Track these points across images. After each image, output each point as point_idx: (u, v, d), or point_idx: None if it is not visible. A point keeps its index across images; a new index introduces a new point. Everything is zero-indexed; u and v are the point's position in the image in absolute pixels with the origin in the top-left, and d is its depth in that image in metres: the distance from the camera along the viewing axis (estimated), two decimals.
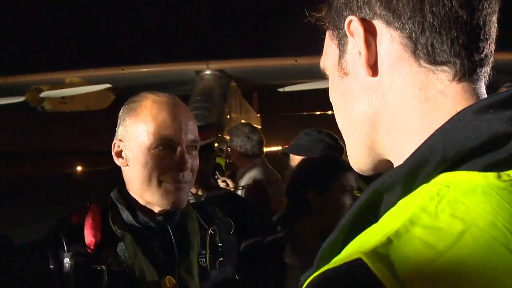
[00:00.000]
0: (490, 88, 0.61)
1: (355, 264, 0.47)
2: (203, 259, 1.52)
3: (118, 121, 1.47)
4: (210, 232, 1.57)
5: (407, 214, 0.50)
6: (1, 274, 1.42)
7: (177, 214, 1.49)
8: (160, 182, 1.40)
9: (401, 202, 0.54)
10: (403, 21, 0.59)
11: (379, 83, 0.63)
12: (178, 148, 1.41)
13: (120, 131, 1.46)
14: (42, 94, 11.69)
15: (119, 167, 1.48)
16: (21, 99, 11.89)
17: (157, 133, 1.38)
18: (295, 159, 2.54)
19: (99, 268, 1.33)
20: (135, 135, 1.41)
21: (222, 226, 1.64)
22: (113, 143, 1.46)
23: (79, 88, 12.07)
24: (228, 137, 3.70)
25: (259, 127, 18.03)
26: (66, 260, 1.33)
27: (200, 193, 2.60)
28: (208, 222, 1.60)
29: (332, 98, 0.73)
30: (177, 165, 1.39)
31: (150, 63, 13.28)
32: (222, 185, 3.39)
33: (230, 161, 4.07)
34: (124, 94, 13.52)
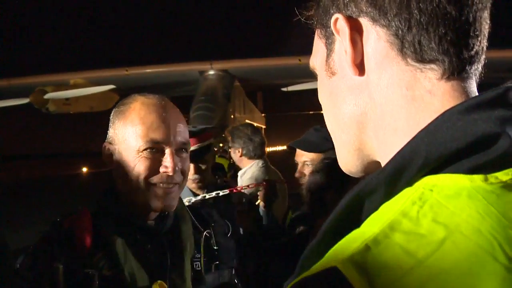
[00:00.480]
0: (488, 87, 0.58)
1: (331, 273, 0.45)
2: (198, 262, 1.51)
3: (109, 124, 1.46)
4: (205, 234, 1.55)
5: (387, 220, 0.48)
6: None
7: (170, 217, 1.48)
8: (149, 185, 1.39)
9: (382, 207, 0.52)
10: (389, 18, 0.58)
11: (366, 82, 0.62)
12: (167, 150, 1.40)
13: (110, 133, 1.45)
14: (47, 96, 11.72)
15: (111, 170, 1.47)
16: (25, 100, 11.91)
17: (145, 135, 1.38)
18: (302, 155, 2.52)
19: (90, 273, 1.32)
20: (124, 138, 1.41)
21: (218, 228, 1.62)
22: (103, 145, 1.46)
23: (83, 89, 12.10)
24: (229, 138, 3.68)
25: (263, 127, 18.02)
26: (57, 265, 1.32)
27: (200, 193, 2.59)
28: (203, 225, 1.59)
29: (321, 98, 0.73)
30: (166, 168, 1.38)
31: (153, 64, 13.25)
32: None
33: (233, 161, 4.06)
34: (128, 95, 13.55)
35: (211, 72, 12.42)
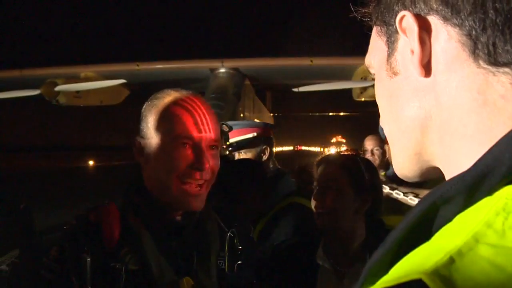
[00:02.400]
0: None
1: (416, 285, 0.42)
2: (222, 261, 1.51)
3: (141, 117, 1.46)
4: (230, 234, 1.55)
5: (470, 231, 0.45)
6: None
7: (196, 214, 1.47)
8: (178, 182, 1.38)
9: (460, 217, 0.49)
10: (462, 17, 0.54)
11: (432, 84, 0.58)
12: (198, 147, 1.38)
13: (141, 128, 1.45)
14: (57, 88, 11.76)
15: (139, 164, 1.47)
16: (36, 92, 11.95)
17: (177, 131, 1.37)
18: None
19: (117, 267, 1.32)
20: (156, 133, 1.41)
21: (242, 228, 1.61)
22: (135, 139, 1.46)
23: (94, 83, 12.13)
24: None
25: None
26: (84, 258, 1.30)
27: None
28: (228, 224, 1.58)
29: (379, 99, 0.70)
30: (196, 165, 1.37)
31: (165, 60, 13.26)
32: None
33: None
34: (139, 90, 13.67)
35: (222, 70, 12.41)
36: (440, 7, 0.56)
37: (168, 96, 1.43)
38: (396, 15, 0.60)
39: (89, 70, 12.84)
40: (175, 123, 1.38)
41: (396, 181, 3.32)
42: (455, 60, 0.56)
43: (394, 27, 0.61)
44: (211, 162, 1.42)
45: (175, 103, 1.41)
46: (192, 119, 1.39)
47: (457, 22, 0.55)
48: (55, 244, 1.38)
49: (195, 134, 1.38)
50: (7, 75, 13.09)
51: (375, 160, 4.22)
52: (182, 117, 1.38)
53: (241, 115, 12.75)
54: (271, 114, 23.23)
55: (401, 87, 0.62)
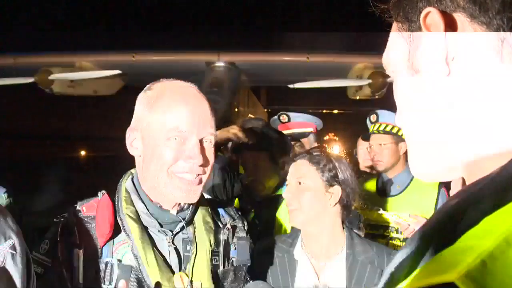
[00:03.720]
0: None
1: None
2: (216, 257, 1.48)
3: (134, 109, 1.43)
4: (224, 230, 1.52)
5: (501, 234, 0.44)
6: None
7: (191, 208, 1.44)
8: (172, 174, 1.35)
9: (489, 219, 0.47)
10: (490, 15, 0.53)
11: (456, 84, 0.58)
12: (192, 140, 1.35)
13: (134, 119, 1.41)
14: (52, 77, 11.68)
15: (133, 156, 1.44)
16: (30, 80, 11.85)
17: (170, 123, 1.33)
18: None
19: (110, 261, 1.29)
20: (148, 125, 1.36)
21: (236, 225, 1.59)
22: (127, 131, 1.41)
23: (88, 72, 12.05)
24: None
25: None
26: (76, 252, 1.28)
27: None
28: (222, 220, 1.55)
29: (398, 96, 0.68)
30: (190, 157, 1.33)
31: (161, 51, 13.19)
32: None
33: None
34: (134, 81, 13.58)
35: (218, 64, 12.35)
36: (468, 5, 0.55)
37: (162, 87, 1.39)
38: (420, 12, 0.59)
39: (85, 60, 12.76)
40: (168, 115, 1.35)
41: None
42: (481, 59, 0.55)
43: (417, 23, 0.60)
44: (206, 156, 1.39)
45: (168, 94, 1.37)
46: (186, 111, 1.35)
47: (484, 20, 0.54)
48: (46, 237, 1.35)
49: (188, 126, 1.35)
50: (1, 62, 12.97)
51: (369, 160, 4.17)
52: (176, 108, 1.35)
53: (235, 109, 12.70)
54: (265, 110, 23.17)
55: (423, 86, 0.61)
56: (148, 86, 1.45)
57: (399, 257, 0.53)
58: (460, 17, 0.56)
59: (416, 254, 0.50)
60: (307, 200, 1.93)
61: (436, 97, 0.59)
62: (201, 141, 1.38)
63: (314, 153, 2.08)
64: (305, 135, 3.32)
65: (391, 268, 0.53)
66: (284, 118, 3.46)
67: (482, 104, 0.55)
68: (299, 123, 3.35)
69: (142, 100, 1.41)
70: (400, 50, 0.65)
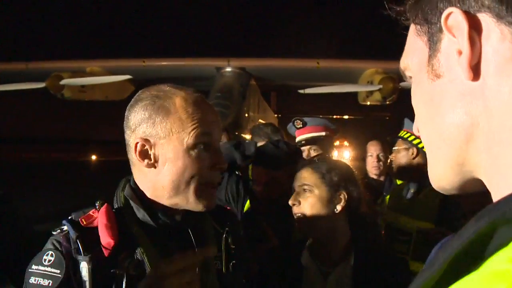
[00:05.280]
0: None
1: None
2: (218, 261, 1.46)
3: (138, 118, 1.36)
4: (224, 234, 1.51)
5: None
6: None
7: (194, 214, 1.42)
8: (197, 184, 1.32)
9: None
10: None
11: (481, 88, 0.53)
12: (214, 147, 1.34)
13: (144, 129, 1.35)
14: (63, 82, 11.77)
15: (128, 163, 1.41)
16: (41, 85, 11.95)
17: (197, 131, 1.31)
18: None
19: (118, 273, 1.25)
20: (169, 134, 1.31)
21: (233, 228, 1.57)
22: (135, 142, 1.36)
23: (99, 77, 12.12)
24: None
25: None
26: (83, 265, 1.24)
27: None
28: (221, 224, 1.54)
29: (416, 103, 0.64)
30: (218, 164, 1.34)
31: (171, 57, 13.25)
32: None
33: None
34: (144, 86, 13.59)
35: (228, 69, 12.39)
36: (493, 4, 0.52)
37: (176, 96, 1.35)
38: (440, 13, 0.55)
39: (95, 65, 12.85)
40: (193, 124, 1.31)
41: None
42: (509, 62, 0.51)
43: (438, 25, 0.56)
44: (225, 162, 1.38)
45: (187, 103, 1.34)
46: (205, 118, 1.33)
47: None
48: (48, 249, 1.28)
49: (211, 134, 1.34)
50: (13, 67, 13.10)
51: (380, 166, 4.13)
52: (198, 117, 1.32)
53: (246, 115, 12.72)
54: (276, 115, 23.18)
55: (444, 91, 0.57)
56: (155, 94, 1.39)
57: (422, 278, 0.49)
58: (485, 18, 0.52)
59: (439, 279, 0.47)
60: (312, 207, 1.93)
61: (457, 104, 0.55)
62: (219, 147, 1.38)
63: (317, 160, 2.09)
64: (320, 139, 3.30)
65: (419, 283, 0.49)
66: (298, 123, 3.44)
67: (510, 111, 0.51)
68: (314, 127, 3.34)
69: (156, 109, 1.36)
70: (419, 54, 0.61)
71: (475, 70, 0.52)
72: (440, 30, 0.56)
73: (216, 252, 1.44)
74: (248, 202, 2.85)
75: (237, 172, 3.06)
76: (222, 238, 1.49)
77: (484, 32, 0.52)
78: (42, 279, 1.23)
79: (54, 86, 11.91)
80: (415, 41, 0.62)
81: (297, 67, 12.71)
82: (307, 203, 1.95)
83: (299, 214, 1.96)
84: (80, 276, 1.24)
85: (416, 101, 0.64)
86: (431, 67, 0.58)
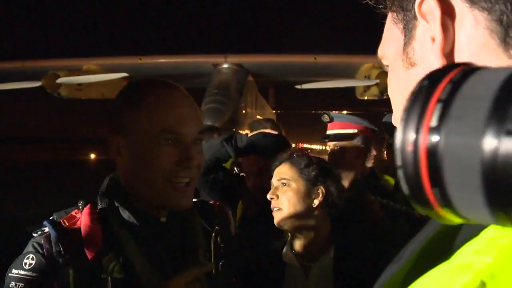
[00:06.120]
0: None
1: None
2: (208, 262, 1.41)
3: (114, 112, 1.33)
4: (213, 233, 1.46)
5: (502, 249, 0.38)
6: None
7: (181, 213, 1.38)
8: (164, 180, 1.26)
9: (489, 231, 0.42)
10: (492, 0, 0.47)
11: None
12: (184, 142, 1.27)
13: (116, 123, 1.31)
14: (59, 80, 11.72)
15: (115, 164, 1.36)
16: (37, 84, 11.91)
17: (162, 124, 1.25)
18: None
19: (102, 277, 1.20)
20: (136, 128, 1.26)
21: (223, 225, 1.53)
22: (110, 137, 1.30)
23: (95, 76, 12.08)
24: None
25: None
26: (66, 269, 1.19)
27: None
28: (210, 222, 1.49)
29: (392, 93, 0.62)
30: (184, 160, 1.27)
31: (167, 54, 13.21)
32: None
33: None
34: None
35: (225, 66, 12.36)
36: None
37: (148, 88, 1.32)
38: None
39: (91, 63, 12.80)
40: (157, 118, 1.26)
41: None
42: (483, 49, 0.49)
43: (413, 12, 0.55)
44: (197, 158, 1.31)
45: (156, 95, 1.29)
46: (174, 112, 1.27)
47: (485, 6, 0.48)
48: (29, 252, 1.22)
49: (179, 128, 1.27)
50: (10, 66, 13.06)
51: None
52: (164, 110, 1.27)
53: (243, 111, 12.69)
54: (274, 111, 23.16)
55: (418, 79, 0.55)
56: (127, 87, 1.35)
57: (389, 271, 0.48)
58: (458, 3, 0.50)
59: (407, 272, 0.46)
60: (290, 201, 1.95)
61: None
62: (192, 142, 1.30)
63: (295, 155, 2.12)
64: (348, 136, 3.21)
65: (382, 281, 0.48)
66: (326, 117, 3.39)
67: None
68: (341, 123, 3.27)
69: (126, 102, 1.31)
70: (395, 43, 0.59)
71: (449, 58, 0.51)
72: (415, 17, 0.54)
73: (204, 252, 1.40)
74: (240, 204, 2.83)
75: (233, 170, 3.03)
76: (212, 237, 1.45)
77: (457, 18, 0.50)
78: (22, 284, 1.18)
79: (51, 84, 11.87)
80: (391, 29, 0.60)
81: (295, 63, 12.69)
82: (285, 196, 1.96)
83: (277, 208, 1.97)
84: (62, 280, 1.19)
85: (392, 91, 0.62)
86: (406, 55, 0.57)
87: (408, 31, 0.57)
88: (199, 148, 1.33)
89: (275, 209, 1.98)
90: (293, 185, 1.97)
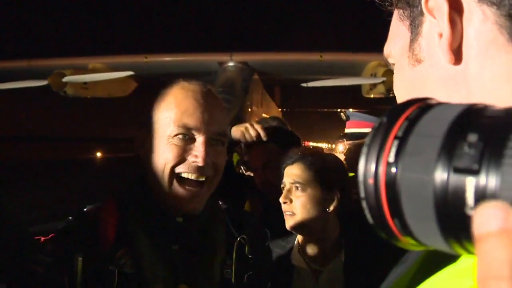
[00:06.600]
0: None
1: None
2: (229, 270, 1.38)
3: (143, 108, 1.38)
4: (239, 240, 1.43)
5: None
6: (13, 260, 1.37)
7: (201, 216, 1.36)
8: (175, 175, 1.27)
9: None
10: None
11: (463, 73, 0.50)
12: (199, 139, 1.28)
13: (142, 118, 1.36)
14: (65, 79, 11.73)
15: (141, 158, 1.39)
16: (44, 82, 11.93)
17: (178, 120, 1.27)
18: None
19: (110, 268, 1.21)
20: (157, 122, 1.31)
21: (255, 236, 1.49)
22: (136, 132, 1.37)
23: (101, 74, 12.09)
24: None
25: None
26: (77, 256, 1.22)
27: None
28: (238, 230, 1.45)
29: (398, 90, 0.61)
30: (195, 157, 1.27)
31: (173, 52, 13.20)
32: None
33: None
34: (147, 82, 13.63)
35: (231, 64, 12.34)
36: None
37: (175, 85, 1.35)
38: None
39: (97, 62, 12.81)
40: (176, 112, 1.28)
41: None
42: (491, 45, 0.48)
43: (419, 8, 0.53)
44: (214, 157, 1.30)
45: (180, 92, 1.32)
46: (194, 109, 1.29)
47: (494, 1, 0.47)
48: (51, 242, 1.32)
49: (196, 124, 1.28)
50: (16, 65, 13.09)
51: None
52: (184, 106, 1.29)
53: (249, 109, 12.67)
54: (280, 109, 23.15)
55: (425, 76, 0.54)
56: (157, 87, 1.40)
57: (394, 274, 0.48)
58: None
59: (413, 275, 0.46)
60: (305, 207, 1.86)
61: (439, 89, 0.53)
62: (210, 141, 1.30)
63: (311, 157, 1.99)
64: (364, 135, 3.19)
65: (390, 283, 0.48)
66: (343, 116, 3.40)
67: (492, 96, 0.48)
68: (357, 122, 3.23)
69: (155, 99, 1.36)
70: (401, 40, 0.58)
71: (457, 54, 0.50)
72: (422, 13, 0.53)
73: (225, 259, 1.37)
74: (247, 204, 2.80)
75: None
76: (235, 245, 1.42)
77: (465, 13, 0.49)
78: (38, 266, 1.24)
79: (57, 83, 11.88)
80: (397, 27, 0.59)
81: (300, 61, 12.65)
82: (299, 201, 1.88)
83: (290, 213, 1.90)
84: (73, 267, 1.22)
85: (397, 88, 0.61)
86: (412, 52, 0.55)
87: (414, 27, 0.55)
88: (218, 149, 1.33)
89: (287, 213, 1.90)
90: (308, 190, 1.89)
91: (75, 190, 12.45)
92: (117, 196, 1.39)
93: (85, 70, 12.29)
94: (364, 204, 0.40)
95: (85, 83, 12.28)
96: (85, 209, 1.36)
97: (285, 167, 1.99)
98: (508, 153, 0.31)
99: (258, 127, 2.61)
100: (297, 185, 1.91)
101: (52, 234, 1.41)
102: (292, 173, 1.95)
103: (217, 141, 1.33)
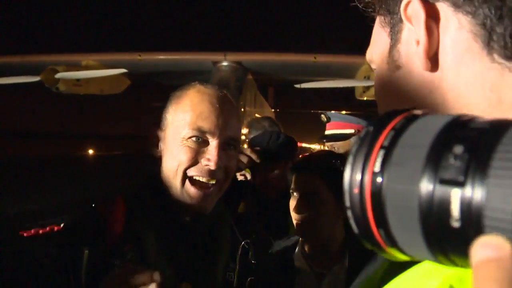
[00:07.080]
0: None
1: None
2: (232, 273, 1.40)
3: (160, 109, 1.43)
4: (243, 245, 1.45)
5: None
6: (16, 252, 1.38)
7: (208, 217, 1.39)
8: (186, 176, 1.31)
9: None
10: (476, 4, 0.47)
11: (439, 79, 0.51)
12: (212, 143, 1.31)
13: (162, 119, 1.39)
14: (58, 75, 11.71)
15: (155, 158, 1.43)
16: (36, 78, 11.89)
17: (192, 123, 1.30)
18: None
19: (115, 263, 1.23)
20: (172, 124, 1.34)
21: (260, 242, 1.52)
22: (155, 131, 1.40)
23: (94, 71, 12.06)
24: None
25: None
26: (83, 249, 1.25)
27: None
28: (244, 234, 1.47)
29: (378, 95, 0.63)
30: (208, 160, 1.30)
31: (167, 51, 13.19)
32: (240, 179, 3.21)
33: None
34: (140, 80, 13.61)
35: (225, 63, 12.35)
36: None
37: (191, 88, 1.38)
38: (401, 2, 0.54)
39: (91, 59, 12.78)
40: (192, 115, 1.31)
41: None
42: (466, 52, 0.49)
43: (399, 15, 0.55)
44: (226, 161, 1.33)
45: (196, 95, 1.35)
46: (209, 112, 1.31)
47: (469, 10, 0.48)
48: (59, 235, 1.35)
49: (210, 127, 1.30)
50: (8, 60, 13.03)
51: None
52: (200, 109, 1.31)
53: (242, 109, 12.68)
54: (273, 110, 23.17)
55: (403, 82, 0.56)
56: (179, 87, 1.43)
57: (365, 273, 0.50)
58: (443, 7, 0.50)
59: (383, 274, 0.47)
60: (317, 215, 1.82)
61: (415, 96, 0.54)
62: (223, 145, 1.33)
63: (322, 164, 1.93)
64: (345, 137, 3.15)
65: (358, 282, 0.50)
66: (323, 118, 3.36)
67: (467, 103, 0.49)
68: (338, 123, 3.22)
69: (171, 100, 1.39)
70: (382, 46, 0.60)
71: (433, 61, 0.51)
72: (401, 20, 0.54)
73: (229, 262, 1.39)
74: (242, 205, 2.79)
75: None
76: (239, 249, 1.43)
77: (442, 21, 0.50)
78: (46, 257, 1.27)
79: (49, 79, 11.84)
80: (379, 33, 0.60)
81: (294, 62, 12.68)
82: (312, 210, 1.84)
83: (300, 222, 1.86)
84: (78, 260, 1.24)
85: (378, 93, 0.62)
86: (391, 58, 0.57)
87: (394, 34, 0.57)
88: (230, 153, 1.37)
89: (297, 221, 1.86)
90: (322, 200, 1.85)
91: (68, 187, 12.40)
92: (126, 192, 1.42)
93: (78, 67, 12.26)
94: (349, 213, 0.41)
95: (78, 80, 12.25)
96: (93, 205, 1.38)
97: (295, 174, 1.93)
98: (493, 165, 0.31)
99: (247, 152, 2.59)
100: (308, 194, 1.87)
101: (59, 227, 1.45)
102: (302, 180, 1.90)
103: (230, 145, 1.36)
